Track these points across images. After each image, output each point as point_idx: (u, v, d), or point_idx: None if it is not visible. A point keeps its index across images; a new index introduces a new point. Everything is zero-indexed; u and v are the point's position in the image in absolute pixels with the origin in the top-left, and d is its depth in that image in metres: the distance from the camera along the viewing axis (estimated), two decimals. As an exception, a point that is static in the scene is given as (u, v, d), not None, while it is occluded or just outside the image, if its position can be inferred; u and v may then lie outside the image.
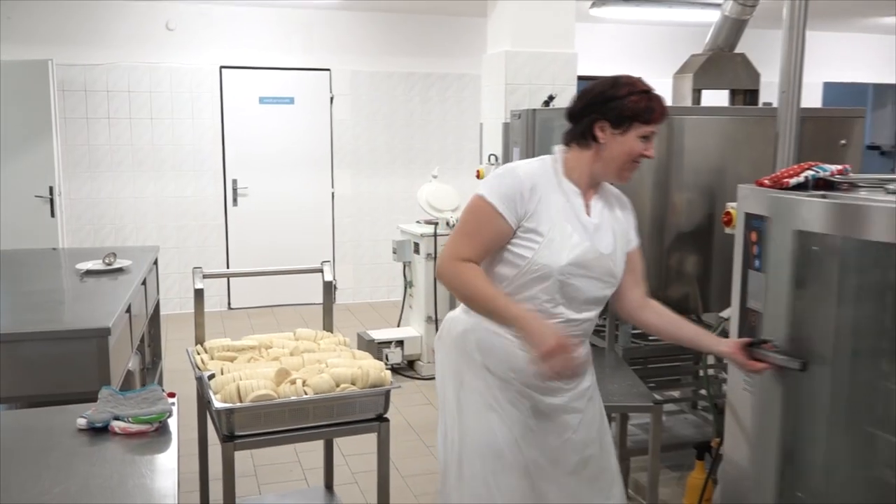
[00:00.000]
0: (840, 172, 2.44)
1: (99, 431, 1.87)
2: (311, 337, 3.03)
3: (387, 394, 2.53)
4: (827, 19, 7.80)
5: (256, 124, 7.35)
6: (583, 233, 2.14)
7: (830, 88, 9.15)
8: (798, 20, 3.06)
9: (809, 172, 2.44)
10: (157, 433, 1.89)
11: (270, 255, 7.18)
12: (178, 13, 6.99)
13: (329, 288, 3.24)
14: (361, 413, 2.52)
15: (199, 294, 3.05)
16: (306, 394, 2.43)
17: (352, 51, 7.51)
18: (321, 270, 3.25)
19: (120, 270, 3.58)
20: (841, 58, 9.06)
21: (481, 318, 2.16)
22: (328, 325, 3.24)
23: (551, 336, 1.97)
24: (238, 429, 2.38)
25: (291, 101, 7.45)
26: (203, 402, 2.92)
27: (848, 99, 8.85)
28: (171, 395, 2.06)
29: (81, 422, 1.89)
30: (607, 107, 2.11)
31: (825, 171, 2.45)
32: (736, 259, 2.61)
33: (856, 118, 3.88)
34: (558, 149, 2.25)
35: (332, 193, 7.64)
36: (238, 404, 2.35)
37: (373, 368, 2.55)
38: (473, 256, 2.11)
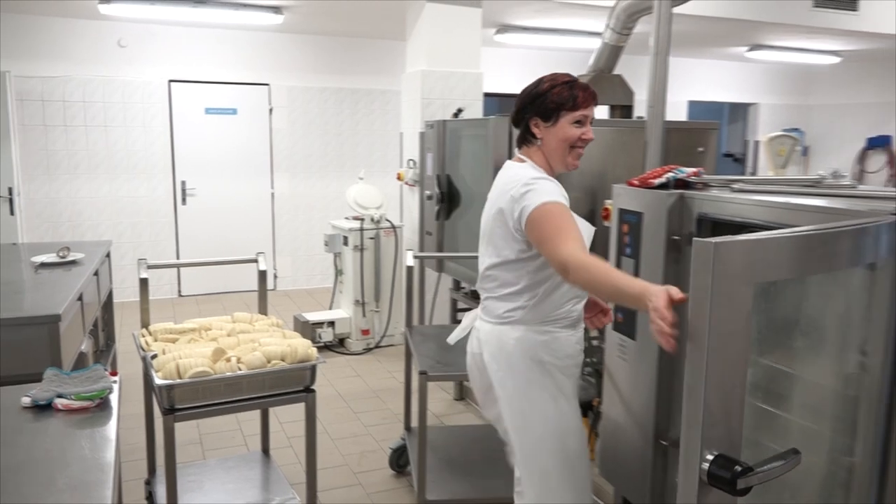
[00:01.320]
0: (695, 174, 2.50)
1: (43, 409, 1.76)
2: (247, 319, 2.93)
3: (313, 368, 2.47)
4: (690, 48, 8.06)
5: (203, 132, 7.11)
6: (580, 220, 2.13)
7: (694, 106, 9.46)
8: (662, 48, 3.12)
9: (670, 174, 2.48)
10: (98, 409, 1.79)
11: (216, 248, 6.98)
12: (129, 32, 6.68)
13: (263, 276, 3.15)
14: (291, 385, 2.44)
15: (143, 283, 2.92)
16: (240, 370, 2.35)
17: (288, 68, 7.35)
18: (256, 260, 3.15)
19: (73, 263, 3.39)
20: (702, 80, 9.39)
21: (526, 324, 2.07)
22: (263, 309, 3.15)
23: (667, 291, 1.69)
24: (178, 403, 2.28)
25: (235, 111, 7.23)
26: (148, 380, 2.79)
27: (708, 115, 9.18)
28: (114, 373, 1.95)
29: (26, 400, 1.77)
30: (535, 104, 2.07)
31: (683, 173, 2.50)
32: (611, 248, 2.66)
33: (711, 130, 4.01)
34: (518, 154, 2.18)
35: (272, 193, 7.47)
36: (177, 381, 2.25)
37: (301, 346, 2.48)
38: (583, 248, 1.95)
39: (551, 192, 1.99)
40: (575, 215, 2.07)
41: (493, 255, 2.11)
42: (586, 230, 2.12)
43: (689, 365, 1.10)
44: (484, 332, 2.11)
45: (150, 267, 2.95)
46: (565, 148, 2.10)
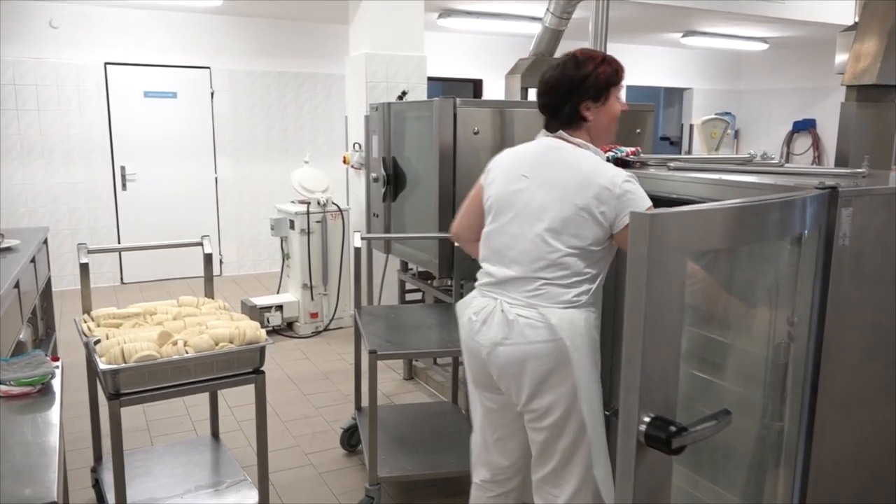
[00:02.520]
0: (633, 153, 2.56)
1: (-19, 396, 1.70)
2: (194, 303, 2.88)
3: (261, 350, 2.44)
4: (627, 33, 8.19)
5: (142, 116, 6.87)
6: None
7: (632, 90, 9.62)
8: (600, 33, 3.18)
9: (610, 153, 2.54)
10: (40, 394, 1.73)
11: (159, 234, 6.78)
12: (61, 12, 6.38)
13: (209, 259, 3.09)
14: (240, 367, 2.41)
15: (84, 268, 2.82)
16: (187, 353, 2.30)
17: (229, 51, 7.17)
18: (201, 244, 3.09)
19: (8, 249, 3.24)
20: (640, 66, 9.56)
21: (589, 306, 2.00)
22: (209, 293, 3.09)
23: None
24: (124, 388, 2.22)
25: (175, 95, 7.01)
26: (92, 366, 2.71)
27: (645, 99, 9.35)
28: (55, 359, 1.90)
29: (-37, 388, 1.70)
30: (584, 87, 1.98)
31: (622, 152, 2.56)
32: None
33: (648, 112, 4.09)
34: (567, 135, 2.04)
35: (216, 178, 7.29)
36: (122, 365, 2.19)
37: (249, 328, 2.45)
38: None
39: (644, 195, 1.98)
40: None
41: (569, 243, 1.97)
42: None
43: (628, 332, 1.14)
44: (556, 318, 1.96)
45: (90, 252, 2.85)
46: (614, 124, 2.08)
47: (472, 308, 2.08)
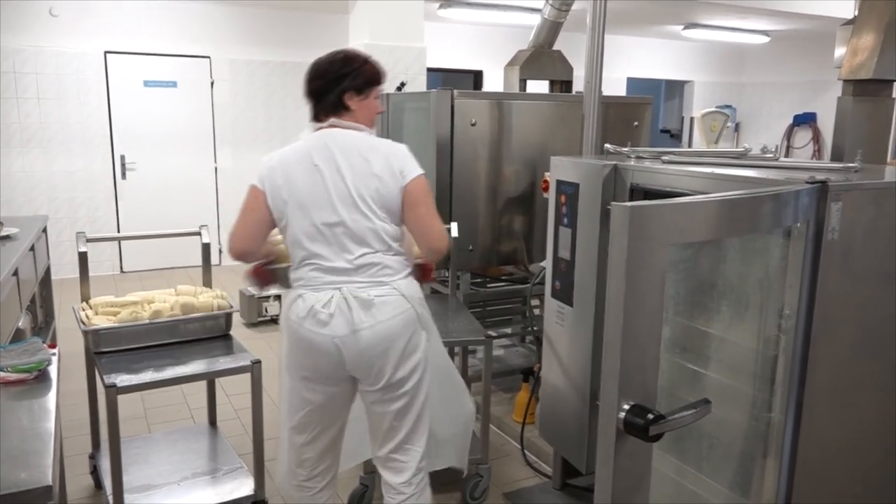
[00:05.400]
0: None
1: (-22, 382, 1.72)
2: (191, 292, 2.90)
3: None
4: (629, 25, 8.18)
5: (142, 105, 6.89)
6: None
7: (632, 82, 9.62)
8: (598, 25, 3.17)
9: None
10: (36, 381, 1.76)
11: (159, 223, 6.82)
12: (60, 0, 6.39)
13: (207, 249, 3.11)
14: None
15: (83, 257, 2.85)
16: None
17: (230, 41, 7.17)
18: (199, 233, 3.11)
19: (7, 238, 3.28)
20: (641, 58, 9.56)
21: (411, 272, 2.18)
22: (207, 282, 3.12)
23: None
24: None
25: (175, 84, 7.03)
26: (90, 354, 2.74)
27: (646, 91, 9.33)
28: (53, 346, 1.92)
29: (-40, 374, 1.73)
30: (349, 79, 2.11)
31: (616, 145, 2.58)
32: (550, 218, 2.72)
33: (646, 105, 4.11)
34: (336, 122, 2.13)
35: (215, 168, 7.32)
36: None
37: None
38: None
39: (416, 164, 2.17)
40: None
41: (381, 215, 2.11)
42: None
43: (608, 321, 1.16)
44: (405, 288, 2.11)
45: (89, 240, 2.88)
46: (373, 121, 2.22)
47: (308, 303, 2.04)
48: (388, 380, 2.09)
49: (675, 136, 10.72)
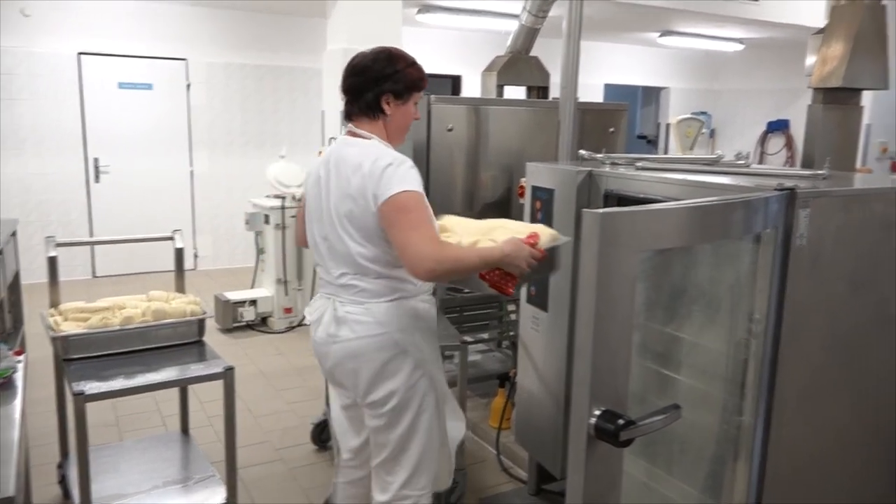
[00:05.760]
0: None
1: (-60, 390, 1.69)
2: (164, 298, 2.87)
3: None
4: (605, 32, 8.25)
5: (116, 107, 6.80)
6: None
7: (610, 89, 9.70)
8: (574, 31, 3.20)
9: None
10: (1, 389, 1.73)
11: (134, 227, 6.72)
12: (33, 0, 6.30)
13: (180, 254, 3.07)
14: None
15: (52, 261, 2.80)
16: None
17: (207, 44, 7.12)
18: (172, 238, 3.08)
19: (-26, 242, 3.21)
20: (618, 64, 9.64)
21: (407, 298, 2.04)
22: (180, 287, 3.08)
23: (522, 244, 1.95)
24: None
25: (150, 86, 6.95)
26: (59, 361, 2.70)
27: (623, 97, 9.41)
28: (18, 353, 1.89)
29: (-79, 382, 1.69)
30: (390, 81, 2.01)
31: (591, 151, 2.59)
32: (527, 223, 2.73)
33: (621, 111, 4.15)
34: (353, 127, 2.06)
35: (191, 171, 7.25)
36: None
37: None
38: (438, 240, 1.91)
39: (412, 178, 1.93)
40: None
41: (359, 236, 2.05)
42: None
43: (579, 327, 1.17)
44: (382, 313, 2.05)
45: (58, 245, 2.83)
46: (407, 127, 2.12)
47: (310, 309, 2.18)
48: (364, 399, 2.09)
49: (651, 142, 10.82)
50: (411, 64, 2.07)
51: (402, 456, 2.12)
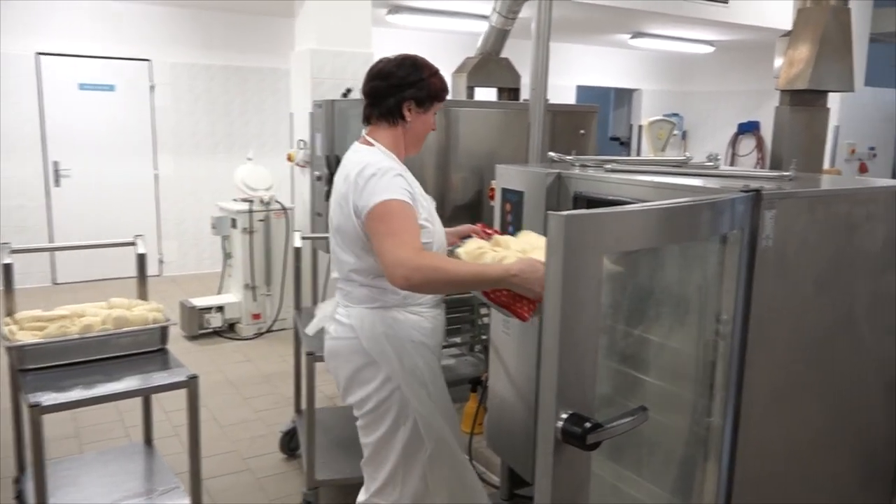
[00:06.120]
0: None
1: None
2: (125, 305, 2.82)
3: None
4: (576, 34, 8.32)
5: (77, 109, 6.69)
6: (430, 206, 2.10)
7: (582, 90, 9.80)
8: (543, 33, 3.22)
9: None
10: (-49, 401, 1.68)
11: (96, 232, 6.62)
12: (-12, -1, 6.18)
13: (142, 259, 3.03)
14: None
15: (7, 269, 2.73)
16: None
17: (171, 44, 7.04)
18: (134, 243, 3.03)
19: (-75, 249, 3.13)
20: (590, 66, 9.73)
21: (386, 307, 2.03)
22: (143, 294, 3.04)
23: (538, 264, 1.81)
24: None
25: (112, 88, 6.85)
26: (14, 372, 2.63)
27: (595, 99, 9.52)
28: (-30, 364, 1.84)
29: None
30: (414, 88, 2.04)
31: (560, 153, 2.61)
32: (496, 226, 2.74)
33: (592, 113, 4.19)
34: (365, 132, 2.11)
35: (156, 175, 7.16)
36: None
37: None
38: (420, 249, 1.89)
39: (391, 186, 1.91)
40: (426, 202, 2.07)
41: (344, 241, 2.10)
42: (437, 220, 2.10)
43: (545, 330, 1.17)
44: (355, 318, 2.07)
45: (13, 251, 2.77)
46: (424, 136, 2.14)
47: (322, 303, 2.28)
48: (343, 399, 2.18)
49: (624, 144, 10.93)
50: (435, 73, 2.10)
51: (378, 462, 2.15)
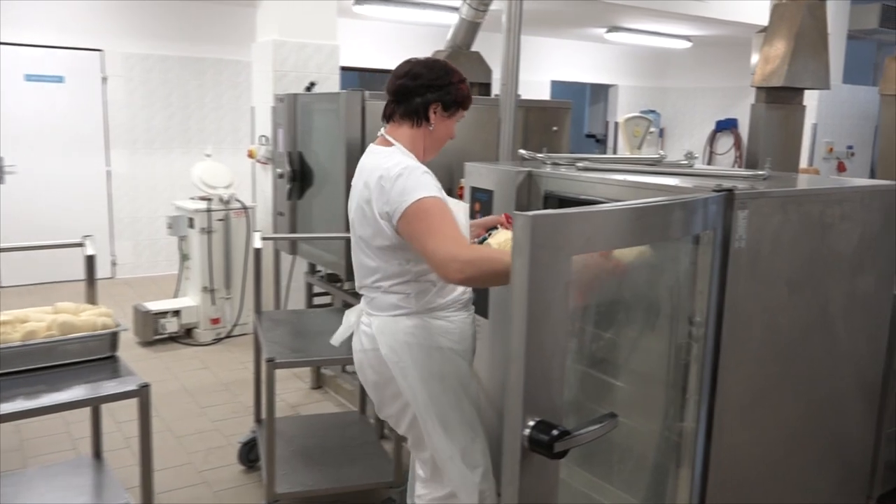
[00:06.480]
0: None
1: None
2: (72, 310, 2.76)
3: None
4: (550, 27, 8.38)
5: (23, 101, 6.54)
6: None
7: (557, 86, 9.86)
8: (514, 26, 3.24)
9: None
10: None
11: (45, 233, 6.46)
12: (-74, -17, 6.02)
13: (91, 262, 2.97)
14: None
15: (-56, 271, 2.68)
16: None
17: (124, 33, 6.93)
18: (82, 244, 2.97)
19: None
20: (565, 60, 9.80)
21: (411, 314, 2.05)
22: (91, 298, 2.98)
23: None
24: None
25: (61, 79, 6.72)
26: (-48, 381, 2.57)
27: (571, 95, 9.56)
28: None
29: None
30: (442, 91, 2.07)
31: (532, 150, 2.62)
32: (464, 226, 2.74)
33: (565, 109, 4.22)
34: (384, 131, 2.14)
35: (108, 171, 7.04)
36: None
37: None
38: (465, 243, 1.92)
39: (425, 184, 1.95)
40: (450, 202, 2.08)
41: (369, 244, 2.11)
42: (461, 218, 2.11)
43: (512, 334, 1.18)
44: (376, 327, 2.08)
45: (-49, 253, 2.70)
46: (445, 142, 2.19)
47: (349, 311, 2.29)
48: (380, 413, 2.23)
49: (600, 141, 11.02)
50: (463, 80, 2.14)
51: (441, 477, 2.17)
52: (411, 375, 2.05)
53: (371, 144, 2.17)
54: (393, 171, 1.95)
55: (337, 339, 2.27)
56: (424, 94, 2.06)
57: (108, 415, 3.50)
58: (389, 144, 2.09)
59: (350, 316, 2.24)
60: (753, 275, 1.88)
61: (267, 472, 2.75)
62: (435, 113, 2.08)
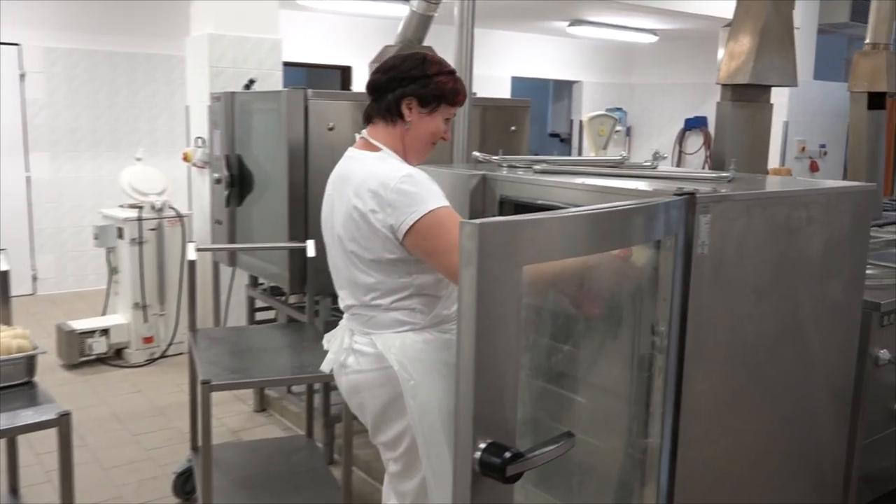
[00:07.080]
0: None
1: None
2: (-17, 331, 2.70)
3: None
4: (509, 20, 8.46)
5: (-71, 101, 6.38)
6: None
7: (518, 82, 9.94)
8: (467, 18, 3.27)
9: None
10: None
11: (-47, 246, 6.29)
12: None
13: (5, 278, 2.90)
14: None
15: None
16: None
17: (45, 26, 6.80)
18: (-5, 259, 2.90)
19: None
20: (525, 55, 9.90)
21: (416, 330, 2.04)
22: (5, 319, 2.91)
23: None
24: None
25: (-27, 76, 6.57)
26: None
27: (533, 92, 9.67)
28: None
29: None
30: (416, 84, 2.02)
31: (487, 152, 2.65)
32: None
33: (523, 108, 4.26)
34: (366, 133, 2.11)
35: (28, 177, 6.88)
36: None
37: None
38: None
39: (434, 193, 1.94)
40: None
41: (365, 258, 2.08)
42: None
43: (459, 349, 1.18)
44: (382, 344, 2.06)
45: None
46: (429, 141, 2.13)
47: (328, 336, 2.24)
48: (374, 439, 2.17)
49: (564, 141, 11.15)
50: (447, 73, 2.08)
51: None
52: (422, 394, 2.02)
53: (350, 148, 2.14)
54: (393, 178, 1.93)
55: (327, 365, 2.21)
56: (395, 88, 2.03)
57: (26, 446, 3.40)
58: (373, 148, 2.07)
59: (335, 338, 2.19)
60: (718, 281, 1.92)
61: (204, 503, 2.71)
62: (410, 109, 2.04)
